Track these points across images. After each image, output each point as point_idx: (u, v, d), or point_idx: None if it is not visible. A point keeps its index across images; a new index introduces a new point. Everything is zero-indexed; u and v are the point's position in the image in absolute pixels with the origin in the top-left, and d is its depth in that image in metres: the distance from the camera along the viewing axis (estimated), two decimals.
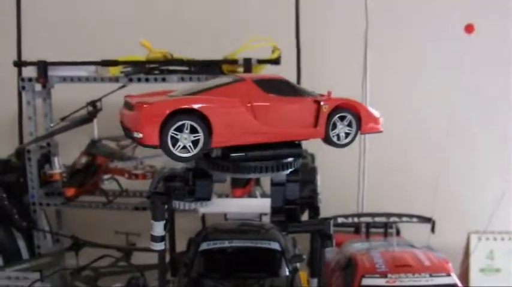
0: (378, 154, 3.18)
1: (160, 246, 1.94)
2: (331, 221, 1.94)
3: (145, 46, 2.82)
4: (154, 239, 1.93)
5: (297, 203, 1.98)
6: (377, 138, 3.15)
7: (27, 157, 2.91)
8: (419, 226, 2.80)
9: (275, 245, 2.06)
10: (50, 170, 3.00)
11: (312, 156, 2.97)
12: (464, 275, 3.19)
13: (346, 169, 3.08)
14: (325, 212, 2.72)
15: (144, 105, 1.69)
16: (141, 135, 1.69)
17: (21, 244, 2.99)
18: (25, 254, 2.99)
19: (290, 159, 1.90)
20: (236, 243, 2.06)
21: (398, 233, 3.05)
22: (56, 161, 3.01)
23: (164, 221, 1.93)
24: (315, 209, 2.13)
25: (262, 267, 2.02)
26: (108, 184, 3.01)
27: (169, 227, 2.26)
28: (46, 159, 3.02)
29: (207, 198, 1.97)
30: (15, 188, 2.95)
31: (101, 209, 2.94)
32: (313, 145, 2.98)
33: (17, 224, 2.92)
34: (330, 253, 2.72)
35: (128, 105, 1.81)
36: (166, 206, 1.96)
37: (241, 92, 1.85)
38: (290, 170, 1.91)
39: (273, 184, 1.96)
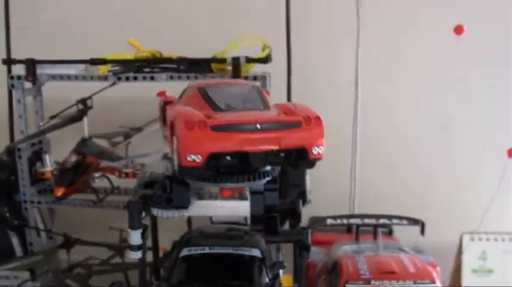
0: (370, 154, 3.14)
1: (138, 254, 1.94)
2: (309, 231, 1.91)
3: (133, 45, 2.79)
4: (132, 248, 1.93)
5: (277, 211, 1.95)
6: (368, 138, 3.14)
7: (17, 155, 2.90)
8: (412, 226, 2.77)
9: (256, 252, 2.03)
10: (42, 167, 3.00)
11: None
12: (456, 276, 3.16)
13: (337, 169, 3.04)
14: (316, 212, 2.72)
15: (319, 118, 1.70)
16: (322, 149, 1.70)
17: (15, 241, 2.99)
18: (19, 252, 3.00)
19: (268, 167, 1.88)
20: (217, 249, 2.04)
21: (390, 233, 3.02)
22: (48, 158, 3.01)
23: (141, 230, 1.92)
24: (296, 217, 2.11)
25: (242, 274, 2.00)
26: (100, 181, 3.01)
27: (152, 232, 2.26)
28: (37, 157, 3.01)
29: (185, 206, 1.95)
30: (6, 186, 2.95)
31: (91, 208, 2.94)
32: None
33: (9, 223, 2.93)
34: (319, 255, 2.71)
35: (287, 124, 1.71)
36: (144, 214, 1.95)
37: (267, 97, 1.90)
38: (268, 179, 1.89)
39: (252, 192, 1.94)
